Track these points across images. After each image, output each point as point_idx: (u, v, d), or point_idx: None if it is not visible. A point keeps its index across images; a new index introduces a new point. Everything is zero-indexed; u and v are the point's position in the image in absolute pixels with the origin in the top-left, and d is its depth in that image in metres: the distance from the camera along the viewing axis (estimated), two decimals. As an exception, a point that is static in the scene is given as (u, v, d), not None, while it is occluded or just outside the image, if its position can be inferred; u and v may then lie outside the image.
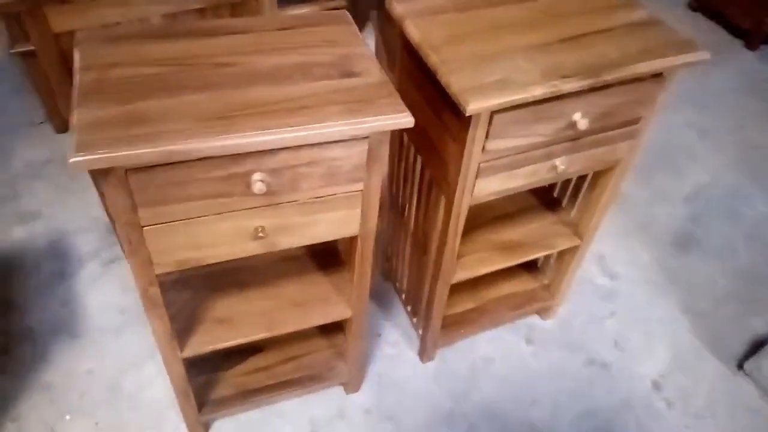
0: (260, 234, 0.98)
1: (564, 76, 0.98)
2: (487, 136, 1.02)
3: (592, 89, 1.03)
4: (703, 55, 1.06)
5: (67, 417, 1.43)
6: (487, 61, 1.01)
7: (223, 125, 0.84)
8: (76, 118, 0.83)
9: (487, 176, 1.10)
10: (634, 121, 1.16)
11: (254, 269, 1.32)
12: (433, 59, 1.01)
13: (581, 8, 1.16)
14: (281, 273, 1.32)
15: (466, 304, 1.62)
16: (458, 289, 1.63)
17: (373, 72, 0.97)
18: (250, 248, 1.01)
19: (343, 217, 1.03)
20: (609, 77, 1.00)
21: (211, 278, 1.30)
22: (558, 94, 0.98)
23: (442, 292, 1.37)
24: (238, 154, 0.86)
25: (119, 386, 1.49)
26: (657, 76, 1.09)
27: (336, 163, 0.94)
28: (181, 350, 1.17)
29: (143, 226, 0.90)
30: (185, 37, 1.00)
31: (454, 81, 0.96)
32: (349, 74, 0.96)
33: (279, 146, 0.86)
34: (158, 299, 1.03)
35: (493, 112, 0.99)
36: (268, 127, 0.85)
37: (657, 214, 2.05)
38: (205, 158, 0.85)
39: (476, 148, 1.04)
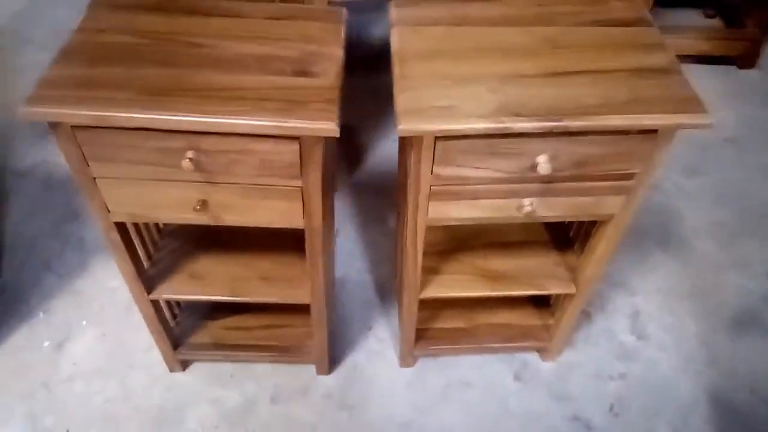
0: (200, 206, 1.04)
1: (517, 115, 0.91)
2: (434, 161, 0.98)
3: (559, 133, 0.94)
4: (703, 119, 0.91)
5: (84, 323, 1.66)
6: (448, 83, 0.96)
7: (161, 101, 0.91)
8: (48, 72, 0.95)
9: (442, 200, 1.06)
10: (626, 176, 1.04)
11: (245, 235, 1.40)
12: (396, 72, 0.99)
13: (595, 41, 1.04)
14: (267, 246, 1.39)
15: (455, 321, 1.57)
16: (450, 304, 1.59)
17: (329, 75, 0.98)
18: (195, 218, 1.08)
19: (285, 208, 1.06)
20: (571, 125, 0.91)
21: (203, 235, 1.41)
22: (506, 132, 0.91)
23: (410, 303, 1.35)
24: (171, 130, 0.93)
25: (132, 308, 1.68)
26: (649, 131, 0.96)
27: (268, 157, 0.97)
28: (148, 292, 1.29)
29: (94, 177, 1.02)
30: (180, 13, 1.08)
31: (402, 99, 0.94)
32: (304, 73, 0.98)
33: (202, 129, 0.91)
34: (118, 243, 1.15)
35: (437, 138, 0.95)
36: (199, 110, 0.90)
37: (727, 282, 1.80)
38: (141, 128, 0.93)
39: (423, 169, 1.00)
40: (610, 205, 1.09)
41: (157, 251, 1.38)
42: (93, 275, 1.75)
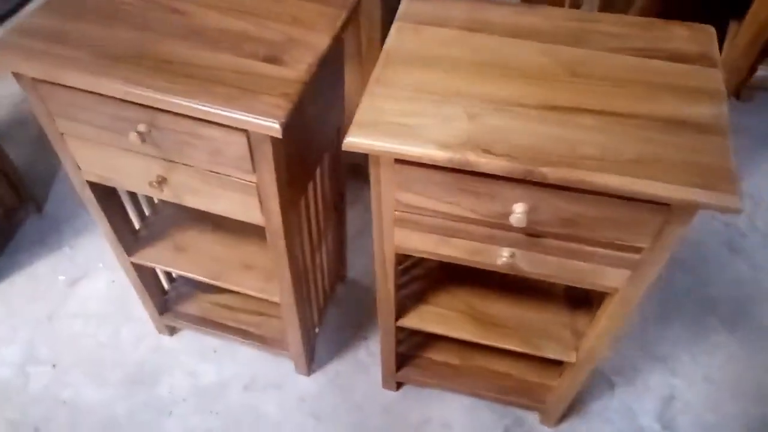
0: (158, 182, 0.99)
1: (487, 151, 0.74)
2: (397, 185, 0.85)
3: (539, 184, 0.76)
4: (727, 201, 0.69)
5: (100, 265, 1.71)
6: (425, 99, 0.81)
7: (113, 67, 0.86)
8: (25, 20, 0.93)
9: (408, 229, 0.92)
10: (631, 249, 0.83)
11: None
12: (373, 75, 0.85)
13: (628, 75, 0.84)
14: (257, 233, 1.32)
15: (449, 356, 1.42)
16: (448, 337, 1.43)
17: (298, 66, 0.87)
18: (156, 192, 1.03)
19: (242, 201, 0.98)
20: (550, 175, 0.73)
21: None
22: (466, 168, 0.75)
23: (386, 328, 1.22)
24: (123, 100, 0.87)
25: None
26: (658, 203, 0.75)
27: (217, 145, 0.89)
28: (128, 255, 1.28)
29: (62, 133, 0.99)
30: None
31: (363, 108, 0.81)
32: (273, 60, 0.88)
33: (145, 103, 0.85)
34: (93, 202, 1.13)
35: (396, 161, 0.81)
36: (145, 83, 0.84)
37: (800, 388, 1.47)
38: (95, 93, 0.88)
39: (384, 192, 0.87)
40: (611, 277, 0.89)
41: (154, 214, 1.36)
42: (122, 221, 1.80)
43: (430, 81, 0.84)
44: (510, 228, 0.86)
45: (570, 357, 1.14)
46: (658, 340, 1.55)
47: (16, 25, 0.91)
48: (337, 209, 1.38)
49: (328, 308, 1.60)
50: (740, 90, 2.11)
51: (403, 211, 0.89)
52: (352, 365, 1.52)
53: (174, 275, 1.54)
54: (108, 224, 1.19)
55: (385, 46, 0.90)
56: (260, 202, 0.97)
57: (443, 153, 0.75)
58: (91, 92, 0.88)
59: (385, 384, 1.46)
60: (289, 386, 1.48)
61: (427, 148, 0.76)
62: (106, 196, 1.16)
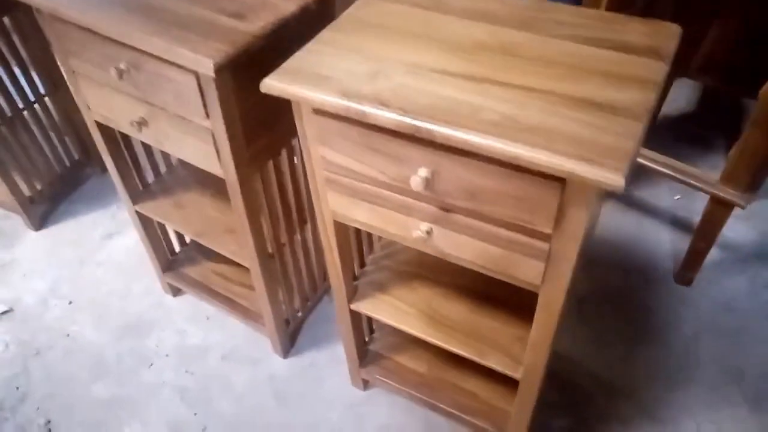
0: (138, 122, 1.09)
1: (382, 104, 0.75)
2: (318, 140, 0.87)
3: (440, 147, 0.75)
4: (608, 177, 0.63)
5: (136, 225, 1.86)
6: (352, 59, 0.83)
7: (102, 8, 0.97)
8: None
9: (338, 193, 0.93)
10: (538, 235, 0.78)
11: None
12: (318, 36, 0.89)
13: (567, 60, 0.80)
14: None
15: (418, 364, 1.37)
16: (424, 345, 1.39)
17: (257, 22, 0.93)
18: (136, 133, 1.12)
19: (202, 148, 1.04)
20: (435, 131, 0.71)
21: (209, 175, 1.46)
22: (363, 119, 0.76)
23: (341, 310, 1.22)
24: (107, 37, 0.98)
25: (176, 229, 1.83)
26: (553, 178, 0.70)
27: (178, 87, 0.96)
28: (134, 203, 1.39)
29: (73, 71, 1.13)
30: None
31: (294, 59, 0.85)
32: (237, 16, 0.95)
33: (113, 37, 0.95)
34: (101, 143, 1.26)
35: (315, 111, 0.83)
36: (125, 22, 0.94)
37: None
38: (86, 29, 1.00)
39: (310, 144, 0.89)
40: (526, 268, 0.83)
41: (169, 174, 1.48)
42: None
43: (365, 46, 0.86)
44: (422, 198, 0.84)
45: (515, 371, 1.06)
46: (662, 402, 1.38)
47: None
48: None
49: (323, 303, 1.62)
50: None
51: (330, 171, 0.90)
52: (328, 357, 1.51)
53: (187, 240, 1.65)
54: (115, 168, 1.32)
55: (342, 14, 0.94)
56: (216, 150, 1.03)
57: (343, 102, 0.76)
58: (85, 29, 1.00)
59: (353, 381, 1.44)
60: (263, 364, 1.51)
61: (330, 95, 0.77)
62: (114, 143, 1.29)
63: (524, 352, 1.06)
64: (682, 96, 2.16)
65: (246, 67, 0.93)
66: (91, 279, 1.72)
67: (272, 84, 0.81)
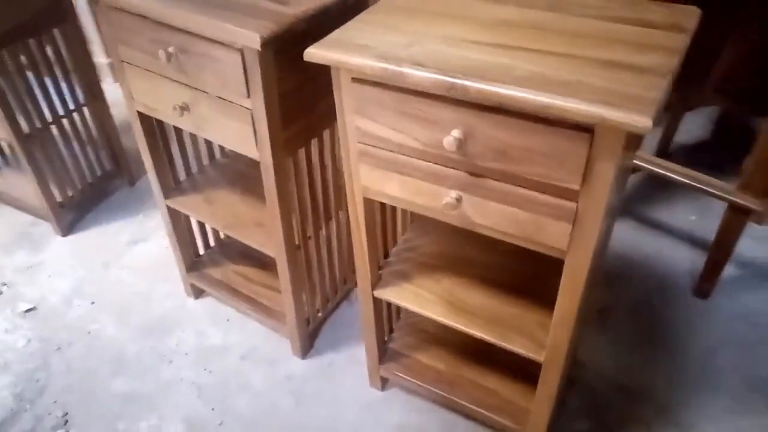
0: (180, 107, 1.15)
1: (418, 64, 0.80)
2: (355, 111, 0.92)
3: (473, 106, 0.80)
4: (636, 120, 0.68)
5: (161, 233, 1.90)
6: (388, 32, 0.90)
7: (158, -3, 1.05)
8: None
9: (372, 166, 0.97)
10: (565, 193, 0.81)
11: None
12: (358, 16, 0.96)
13: (594, 33, 0.86)
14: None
15: (437, 361, 1.37)
16: (442, 343, 1.41)
17: (299, 8, 1.00)
18: (178, 118, 1.19)
19: (241, 130, 1.10)
20: (470, 87, 0.76)
21: (239, 174, 1.52)
22: (399, 80, 0.81)
23: (365, 298, 1.24)
24: (158, 22, 1.06)
25: (199, 238, 1.87)
26: (581, 129, 0.74)
27: (222, 67, 1.03)
28: (165, 198, 1.44)
29: (122, 61, 1.20)
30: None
31: (336, 33, 0.91)
32: (278, 2, 1.03)
33: (165, 21, 1.03)
34: (140, 134, 1.33)
35: (354, 80, 0.89)
36: (177, 7, 1.02)
37: None
38: (140, 15, 1.08)
39: (348, 119, 0.94)
40: (552, 232, 0.86)
41: (200, 173, 1.53)
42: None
43: (401, 23, 0.93)
44: (453, 164, 0.88)
45: (538, 354, 1.07)
46: (683, 407, 1.37)
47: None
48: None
49: (341, 308, 1.63)
50: None
51: (364, 143, 0.95)
52: (346, 359, 1.52)
53: (211, 243, 1.68)
54: (151, 161, 1.37)
55: (377, 2, 1.01)
56: (254, 130, 1.08)
57: (381, 64, 0.82)
58: (138, 15, 1.08)
59: (372, 380, 1.44)
60: (281, 364, 1.51)
61: (369, 59, 0.83)
62: (152, 135, 1.35)
63: (546, 336, 1.07)
64: (695, 126, 2.22)
65: (286, 50, 1.00)
66: (115, 281, 1.75)
67: (315, 52, 0.87)
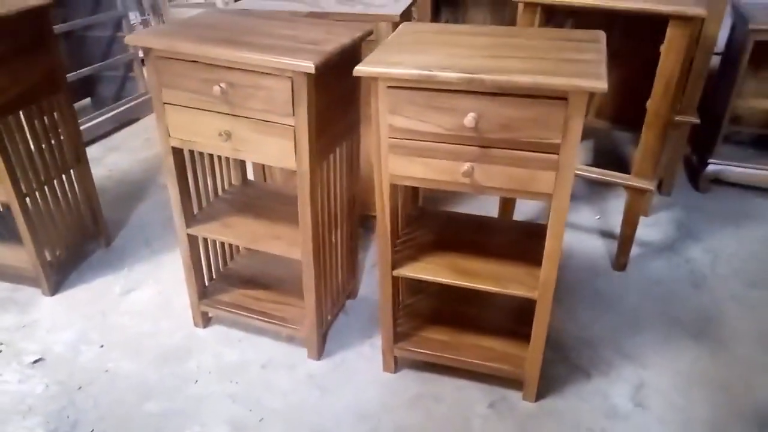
0: (225, 134, 1.40)
1: (444, 68, 1.16)
2: (389, 111, 1.25)
3: (484, 93, 1.16)
4: (595, 84, 1.08)
5: (151, 281, 2.03)
6: (406, 52, 1.26)
7: (210, 42, 1.33)
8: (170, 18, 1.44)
9: (400, 155, 1.29)
10: (551, 149, 1.19)
11: (280, 202, 1.73)
12: (379, 46, 1.31)
13: (544, 45, 1.28)
14: (287, 220, 1.68)
15: (441, 334, 1.65)
16: (440, 319, 1.68)
17: (327, 48, 1.33)
18: (221, 148, 1.43)
19: (282, 146, 1.37)
20: (486, 79, 1.13)
21: (248, 201, 1.75)
22: (434, 81, 1.16)
23: (384, 279, 1.50)
24: (211, 64, 1.33)
25: (189, 280, 2.02)
26: (558, 98, 1.13)
27: (271, 93, 1.32)
28: (188, 226, 1.64)
29: (165, 103, 1.44)
30: None
31: (371, 56, 1.25)
32: (311, 42, 1.35)
33: (224, 58, 1.30)
34: (172, 168, 1.54)
35: (389, 87, 1.22)
36: (235, 50, 1.30)
37: (761, 383, 1.62)
38: (193, 61, 1.34)
39: (382, 119, 1.26)
40: (542, 179, 1.22)
41: (209, 207, 1.74)
42: (174, 256, 2.15)
43: (411, 47, 1.29)
44: (468, 141, 1.23)
45: (532, 293, 1.40)
46: (630, 344, 1.75)
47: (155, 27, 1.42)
48: (350, 207, 1.73)
49: (339, 317, 1.86)
50: (698, 183, 2.52)
51: (394, 137, 1.27)
52: (357, 355, 1.73)
53: (214, 275, 1.86)
54: (178, 192, 1.58)
55: (388, 37, 1.37)
56: (295, 144, 1.36)
57: (417, 71, 1.17)
58: (190, 61, 1.34)
59: (385, 364, 1.67)
60: (300, 366, 1.70)
61: (407, 69, 1.18)
62: (181, 171, 1.57)
63: (536, 281, 1.41)
64: (581, 155, 2.78)
65: (319, 77, 1.31)
66: (118, 326, 1.85)
67: (363, 69, 1.20)
